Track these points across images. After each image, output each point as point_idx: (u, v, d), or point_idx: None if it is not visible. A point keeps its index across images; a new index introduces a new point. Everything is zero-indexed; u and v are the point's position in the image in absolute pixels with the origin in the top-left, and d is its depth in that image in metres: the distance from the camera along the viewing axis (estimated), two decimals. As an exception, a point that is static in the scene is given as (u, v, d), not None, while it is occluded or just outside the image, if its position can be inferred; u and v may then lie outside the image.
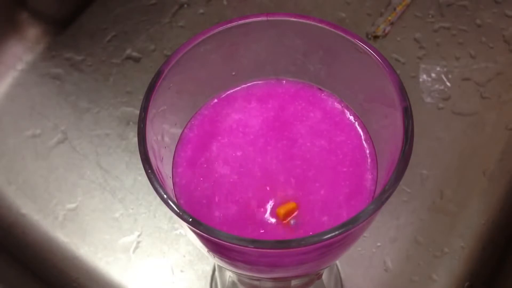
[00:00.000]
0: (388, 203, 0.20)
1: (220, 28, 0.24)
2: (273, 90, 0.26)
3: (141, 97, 0.22)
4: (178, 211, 0.19)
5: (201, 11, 0.51)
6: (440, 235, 0.40)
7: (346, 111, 0.26)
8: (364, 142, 0.25)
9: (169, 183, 0.24)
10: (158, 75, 0.22)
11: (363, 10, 0.50)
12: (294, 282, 0.29)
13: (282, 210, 0.23)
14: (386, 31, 0.48)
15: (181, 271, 0.39)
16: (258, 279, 0.27)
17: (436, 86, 0.46)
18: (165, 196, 0.20)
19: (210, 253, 0.22)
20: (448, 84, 0.46)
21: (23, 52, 0.49)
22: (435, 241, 0.39)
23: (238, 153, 0.25)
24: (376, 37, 0.48)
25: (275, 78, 0.27)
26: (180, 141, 0.25)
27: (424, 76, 0.46)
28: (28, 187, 0.43)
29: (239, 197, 0.24)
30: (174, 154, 0.25)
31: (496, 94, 0.45)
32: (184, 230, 0.26)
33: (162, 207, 0.41)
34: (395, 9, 0.49)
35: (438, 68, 0.46)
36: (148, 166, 0.21)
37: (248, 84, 0.27)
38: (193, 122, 0.26)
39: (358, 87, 0.25)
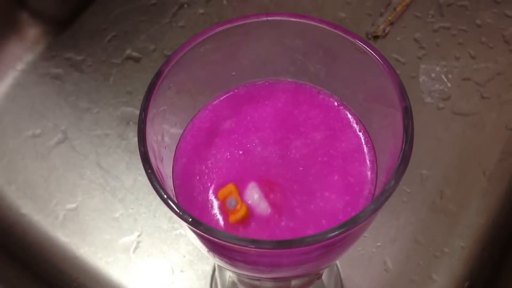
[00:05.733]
0: (388, 203, 0.20)
1: (220, 28, 0.24)
2: (273, 90, 0.26)
3: (141, 97, 0.22)
4: (178, 211, 0.19)
5: (201, 11, 0.51)
6: (440, 235, 0.40)
7: (346, 111, 0.26)
8: (364, 142, 0.25)
9: (169, 183, 0.24)
10: (158, 75, 0.22)
11: (363, 10, 0.50)
12: (294, 282, 0.29)
13: (233, 219, 0.22)
14: (386, 31, 0.48)
15: (181, 271, 0.39)
16: (258, 279, 0.27)
17: (436, 86, 0.46)
18: (165, 196, 0.20)
19: (210, 253, 0.22)
20: (448, 84, 0.46)
21: (23, 52, 0.49)
22: (435, 241, 0.39)
23: (238, 153, 0.25)
24: (376, 37, 0.48)
25: (275, 78, 0.27)
26: (180, 141, 0.25)
27: (424, 76, 0.46)
28: (28, 187, 0.43)
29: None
30: (174, 154, 0.25)
31: (496, 94, 0.45)
32: (184, 230, 0.26)
33: (162, 207, 0.41)
34: (395, 9, 0.49)
35: (438, 68, 0.46)
36: (148, 166, 0.21)
37: (248, 84, 0.27)
38: (193, 122, 0.26)
39: (358, 87, 0.25)
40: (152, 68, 0.48)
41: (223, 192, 0.23)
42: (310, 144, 0.25)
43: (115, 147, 0.44)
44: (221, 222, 0.23)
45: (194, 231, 0.20)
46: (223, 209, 0.23)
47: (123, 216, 0.41)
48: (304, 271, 0.23)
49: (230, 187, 0.23)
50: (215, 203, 0.24)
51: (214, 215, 0.23)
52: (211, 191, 0.24)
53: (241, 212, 0.22)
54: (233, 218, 0.22)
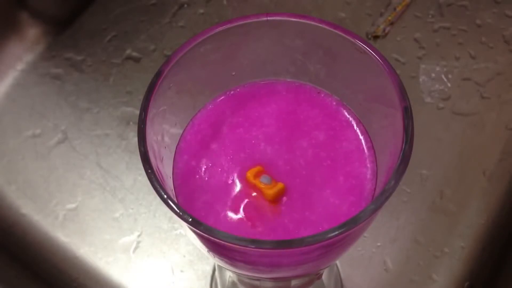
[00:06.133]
0: (388, 203, 0.20)
1: (220, 28, 0.24)
2: (273, 90, 0.26)
3: (141, 97, 0.22)
4: (178, 211, 0.19)
5: (201, 11, 0.51)
6: (440, 235, 0.40)
7: (345, 111, 0.26)
8: (363, 142, 0.25)
9: (169, 183, 0.24)
10: (158, 75, 0.22)
11: (363, 10, 0.50)
12: (294, 282, 0.29)
13: (270, 191, 0.23)
14: (386, 31, 0.48)
15: (181, 271, 0.39)
16: (258, 279, 0.27)
17: (436, 86, 0.46)
18: (165, 196, 0.20)
19: (210, 253, 0.22)
20: (448, 84, 0.46)
21: (23, 52, 0.49)
22: (435, 241, 0.39)
23: (238, 153, 0.25)
24: (376, 37, 0.48)
25: (275, 78, 0.27)
26: (180, 141, 0.25)
27: (424, 76, 0.46)
28: (28, 187, 0.43)
29: (239, 196, 0.24)
30: (174, 154, 0.25)
31: (496, 94, 0.45)
32: (184, 230, 0.26)
33: (162, 207, 0.41)
34: (395, 9, 0.49)
35: (438, 68, 0.46)
36: (148, 166, 0.21)
37: (248, 84, 0.27)
38: (193, 122, 0.26)
39: (358, 87, 0.25)
40: (152, 68, 0.48)
41: (252, 171, 0.24)
42: (310, 145, 0.25)
43: (115, 147, 0.44)
44: (221, 220, 0.23)
45: (194, 231, 0.20)
46: (254, 186, 0.23)
47: (123, 216, 0.41)
48: (304, 271, 0.23)
49: (259, 167, 0.24)
50: (217, 203, 0.24)
51: (215, 214, 0.23)
52: (211, 191, 0.24)
53: (278, 185, 0.23)
54: (270, 192, 0.23)
